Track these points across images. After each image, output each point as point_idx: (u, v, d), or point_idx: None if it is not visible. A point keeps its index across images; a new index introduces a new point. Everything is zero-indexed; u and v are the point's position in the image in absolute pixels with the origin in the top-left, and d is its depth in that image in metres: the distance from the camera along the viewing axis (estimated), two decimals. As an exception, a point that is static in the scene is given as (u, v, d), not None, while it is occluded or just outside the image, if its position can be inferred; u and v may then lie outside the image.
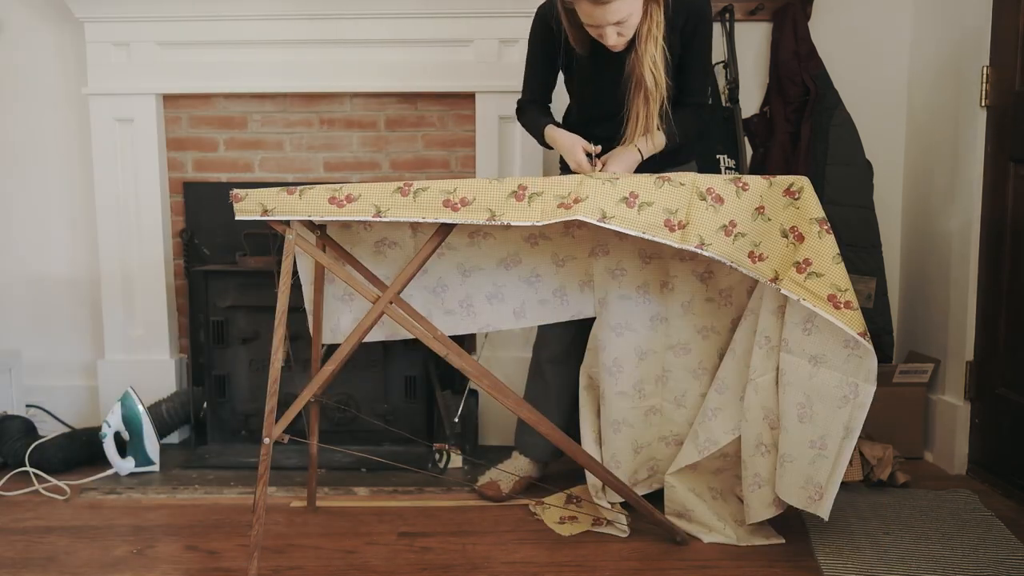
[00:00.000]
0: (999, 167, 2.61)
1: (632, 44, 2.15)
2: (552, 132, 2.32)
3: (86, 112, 3.00)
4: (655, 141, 2.23)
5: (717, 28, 3.09)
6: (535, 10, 2.86)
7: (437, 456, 2.76)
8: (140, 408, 2.74)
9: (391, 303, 2.04)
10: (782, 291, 1.93)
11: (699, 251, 1.94)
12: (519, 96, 2.46)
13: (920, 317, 3.03)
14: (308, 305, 2.33)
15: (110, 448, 2.70)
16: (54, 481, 2.66)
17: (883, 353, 2.90)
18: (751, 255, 1.96)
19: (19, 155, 3.13)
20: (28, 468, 2.69)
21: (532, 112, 2.39)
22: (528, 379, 2.57)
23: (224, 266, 2.91)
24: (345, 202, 1.90)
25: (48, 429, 3.00)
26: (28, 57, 3.09)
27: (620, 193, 1.93)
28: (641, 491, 2.31)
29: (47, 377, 3.18)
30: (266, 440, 1.96)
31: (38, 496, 2.58)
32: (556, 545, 2.20)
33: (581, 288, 2.34)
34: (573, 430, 2.42)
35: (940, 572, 2.00)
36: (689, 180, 1.95)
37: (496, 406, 2.93)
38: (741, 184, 1.96)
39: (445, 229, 2.01)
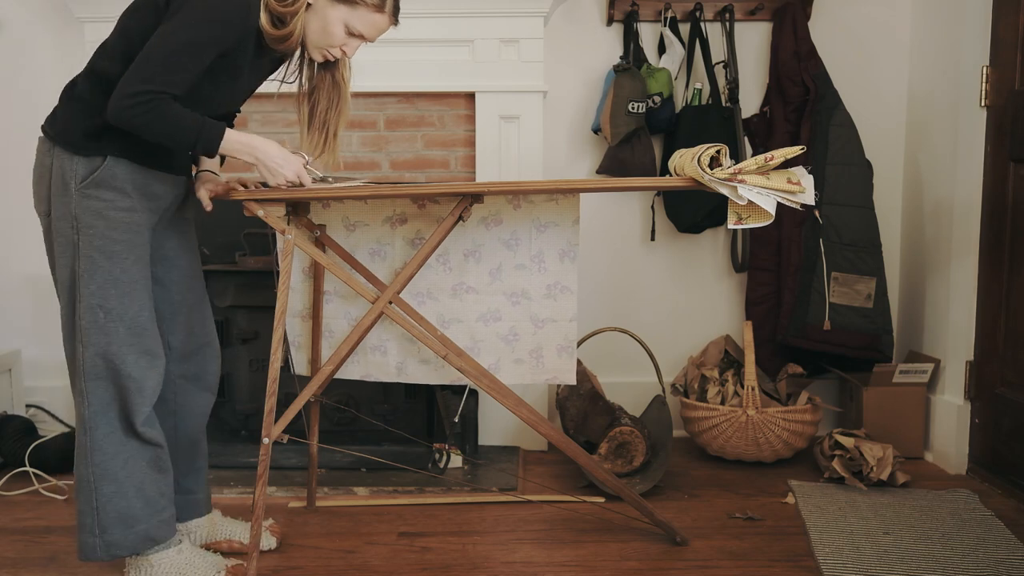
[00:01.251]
0: (999, 167, 2.61)
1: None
2: (251, 139, 1.85)
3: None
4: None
5: (717, 28, 3.09)
6: (534, 10, 2.88)
7: (437, 456, 2.76)
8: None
9: (390, 303, 2.04)
10: None
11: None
12: (179, 83, 1.75)
13: (920, 317, 3.03)
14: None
15: (110, 448, 2.69)
16: (54, 481, 2.66)
17: (883, 353, 2.90)
18: None
19: (19, 155, 3.13)
20: (28, 468, 2.69)
21: (179, 107, 1.74)
22: None
23: (224, 266, 2.91)
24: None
25: (48, 429, 3.00)
26: (28, 57, 3.09)
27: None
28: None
29: (47, 377, 3.18)
30: (265, 440, 1.96)
31: (38, 496, 2.58)
32: (556, 545, 2.20)
33: (371, 256, 2.29)
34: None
35: (940, 572, 2.00)
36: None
37: (496, 406, 2.93)
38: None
39: (445, 228, 2.01)
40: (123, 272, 1.81)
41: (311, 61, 1.99)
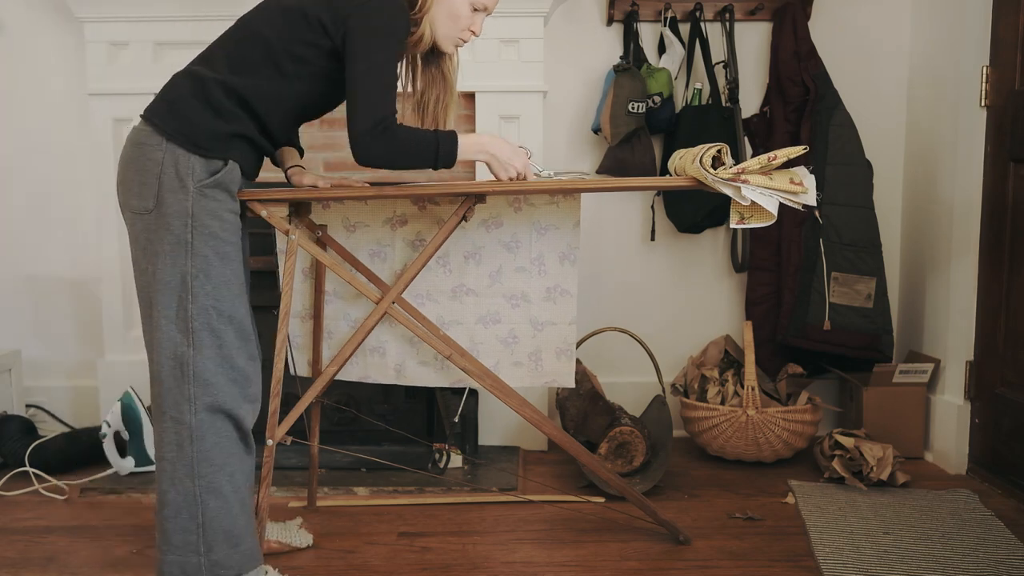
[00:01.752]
0: (999, 167, 2.61)
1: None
2: (479, 137, 1.92)
3: (86, 112, 3.00)
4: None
5: (717, 28, 3.09)
6: (534, 10, 2.88)
7: (437, 456, 2.76)
8: (140, 408, 2.74)
9: (393, 303, 2.04)
10: None
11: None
12: (387, 111, 1.78)
13: (920, 317, 3.03)
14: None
15: (110, 448, 2.70)
16: (54, 481, 2.65)
17: (883, 353, 2.90)
18: None
19: (19, 155, 3.14)
20: (28, 468, 2.69)
21: (408, 127, 1.82)
22: None
23: (224, 266, 2.90)
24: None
25: (48, 429, 3.00)
26: (28, 57, 3.09)
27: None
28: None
29: (47, 377, 3.18)
30: (269, 442, 1.96)
31: (38, 496, 2.58)
32: (556, 545, 2.20)
33: (371, 257, 2.28)
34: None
35: (940, 572, 2.00)
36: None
37: (496, 406, 2.93)
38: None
39: (447, 229, 2.01)
40: (234, 274, 1.79)
41: (418, 59, 2.02)
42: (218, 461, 1.77)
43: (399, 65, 1.82)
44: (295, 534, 2.17)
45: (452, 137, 1.82)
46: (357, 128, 1.74)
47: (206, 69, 1.80)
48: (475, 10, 1.91)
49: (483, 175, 2.98)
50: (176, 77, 1.83)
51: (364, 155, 1.77)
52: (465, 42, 1.96)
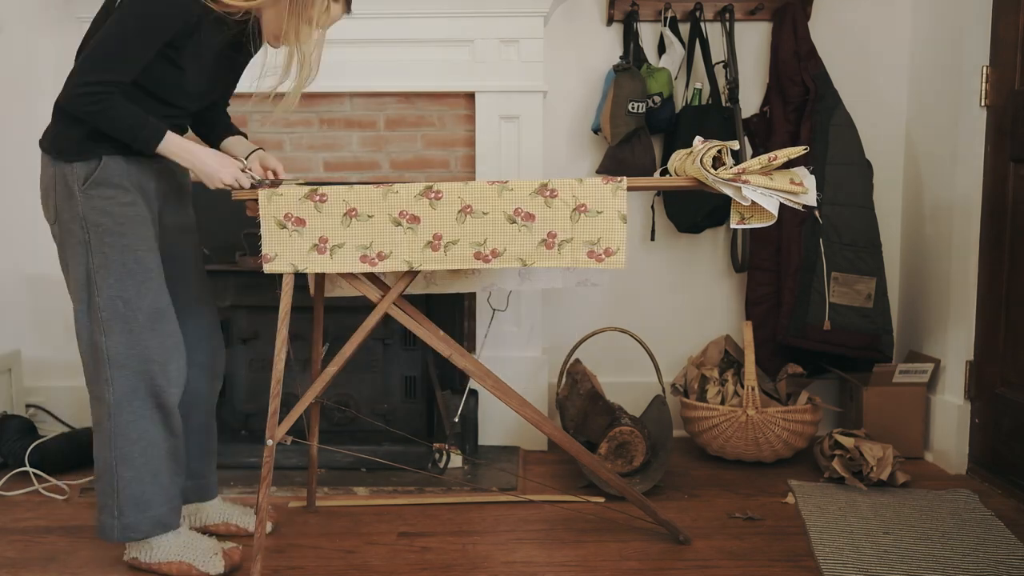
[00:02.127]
0: (999, 167, 2.61)
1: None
2: (187, 144, 1.92)
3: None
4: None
5: (717, 28, 3.09)
6: (534, 10, 2.88)
7: (437, 456, 2.76)
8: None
9: (394, 303, 2.04)
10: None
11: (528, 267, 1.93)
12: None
13: (920, 317, 3.03)
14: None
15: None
16: (54, 481, 2.65)
17: (883, 353, 2.90)
18: (592, 254, 1.93)
19: (18, 155, 3.13)
20: (28, 468, 2.69)
21: (124, 104, 1.83)
22: None
23: (224, 266, 2.90)
24: (376, 260, 1.91)
25: (48, 429, 3.00)
26: (28, 57, 3.09)
27: (424, 238, 1.91)
28: None
29: (47, 377, 3.18)
30: (269, 442, 1.96)
31: (38, 496, 2.58)
32: (556, 545, 2.20)
33: None
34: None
35: (940, 572, 2.00)
36: (493, 206, 1.91)
37: (496, 406, 2.93)
38: (549, 192, 1.92)
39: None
40: (136, 263, 1.91)
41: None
42: (132, 435, 1.94)
43: (150, 47, 1.81)
44: (254, 520, 2.18)
45: (159, 130, 1.86)
46: (73, 79, 1.79)
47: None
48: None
49: (483, 176, 2.99)
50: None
51: (70, 106, 1.82)
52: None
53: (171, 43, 1.83)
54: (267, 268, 1.92)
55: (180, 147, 1.90)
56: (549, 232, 1.91)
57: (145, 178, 1.96)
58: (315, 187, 1.92)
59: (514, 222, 1.91)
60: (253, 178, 1.98)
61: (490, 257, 1.91)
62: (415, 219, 1.91)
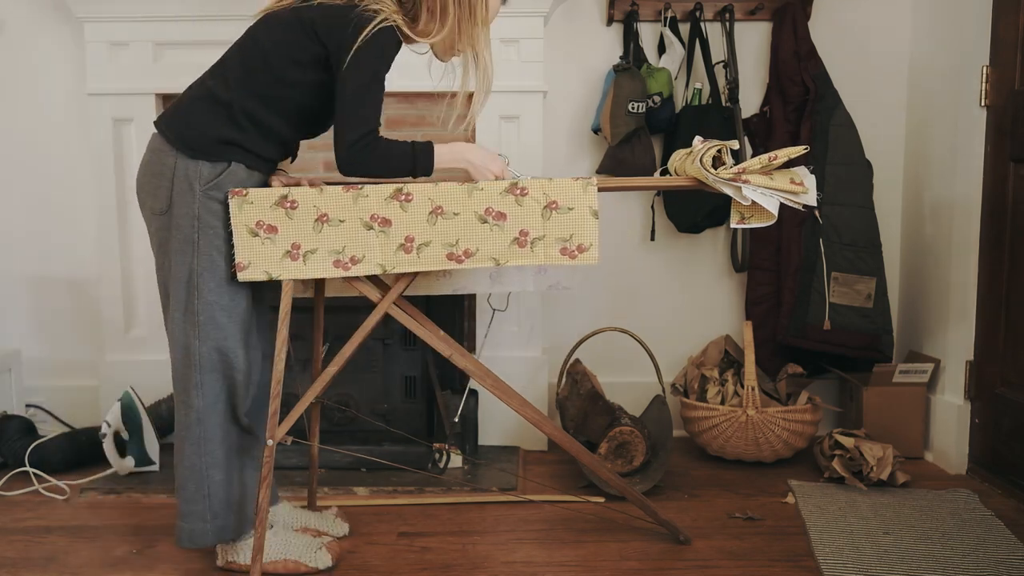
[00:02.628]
0: (999, 167, 2.61)
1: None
2: (455, 146, 2.02)
3: (86, 112, 3.00)
4: None
5: (717, 28, 3.09)
6: (534, 10, 2.88)
7: (437, 456, 2.76)
8: (140, 408, 2.74)
9: (394, 303, 2.04)
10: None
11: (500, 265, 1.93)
12: (372, 127, 1.90)
13: (920, 317, 3.03)
14: None
15: (110, 448, 2.69)
16: (54, 481, 2.65)
17: (883, 353, 2.90)
18: (564, 251, 1.93)
19: (19, 155, 3.13)
20: (28, 468, 2.69)
21: (388, 140, 1.93)
22: None
23: (224, 266, 2.90)
24: (350, 264, 1.92)
25: (48, 429, 3.00)
26: (28, 57, 3.09)
27: (396, 241, 1.91)
28: None
29: (47, 377, 3.18)
30: (269, 442, 1.96)
31: (38, 496, 2.58)
32: (556, 545, 2.20)
33: None
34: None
35: (940, 572, 2.00)
36: (464, 206, 1.92)
37: (496, 406, 2.93)
38: (519, 191, 1.93)
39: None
40: (236, 273, 1.92)
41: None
42: (219, 438, 1.97)
43: (384, 84, 1.92)
44: (331, 523, 2.26)
45: (428, 148, 1.94)
46: (345, 140, 1.86)
47: (216, 82, 1.91)
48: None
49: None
50: (191, 88, 1.96)
51: (348, 166, 1.88)
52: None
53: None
54: (241, 276, 1.91)
55: (449, 151, 1.98)
56: (521, 230, 1.91)
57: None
58: (284, 195, 1.91)
59: (485, 222, 1.91)
60: (514, 173, 2.04)
61: (463, 257, 1.92)
62: (386, 222, 1.90)
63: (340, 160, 1.88)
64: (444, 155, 1.97)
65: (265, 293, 2.16)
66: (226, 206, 1.88)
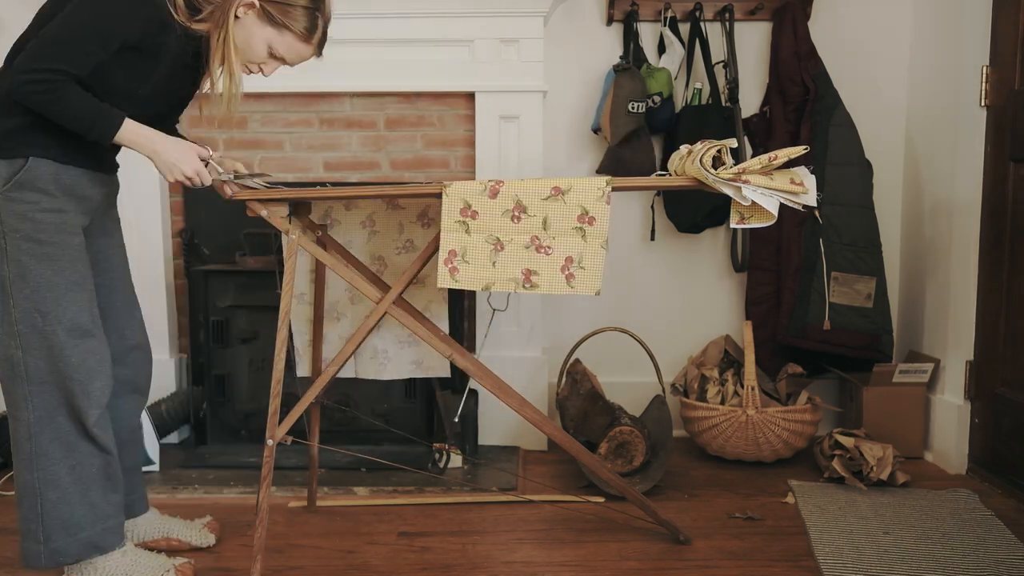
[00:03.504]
0: (999, 167, 2.61)
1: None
2: (147, 131, 1.81)
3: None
4: None
5: (717, 28, 3.09)
6: (534, 10, 2.88)
7: (437, 456, 2.76)
8: (140, 408, 2.74)
9: (393, 304, 2.04)
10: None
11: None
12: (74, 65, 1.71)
13: (920, 317, 3.03)
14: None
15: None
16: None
17: (883, 353, 2.90)
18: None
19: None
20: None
21: (80, 92, 1.72)
22: None
23: (224, 266, 2.91)
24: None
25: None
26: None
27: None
28: None
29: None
30: (269, 442, 1.96)
31: (38, 496, 2.58)
32: (556, 545, 2.20)
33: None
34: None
35: (940, 572, 2.00)
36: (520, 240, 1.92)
37: (496, 406, 2.93)
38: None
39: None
40: (55, 274, 1.78)
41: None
42: (56, 455, 1.82)
43: (108, 46, 1.73)
44: (197, 533, 2.16)
45: (117, 118, 1.75)
46: (24, 65, 1.69)
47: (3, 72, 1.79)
48: (272, 56, 1.90)
49: (483, 176, 2.99)
50: None
51: (18, 93, 1.69)
52: (253, 73, 1.94)
53: (129, 47, 1.75)
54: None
55: (139, 134, 1.78)
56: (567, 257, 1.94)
57: (80, 184, 1.82)
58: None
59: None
60: (218, 172, 1.91)
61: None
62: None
63: (12, 82, 1.69)
64: (132, 134, 1.78)
65: (133, 308, 2.05)
66: (33, 206, 1.73)
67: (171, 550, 2.12)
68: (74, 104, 1.70)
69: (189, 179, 1.85)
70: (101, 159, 1.89)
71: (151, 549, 2.09)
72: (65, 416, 1.82)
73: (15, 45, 1.83)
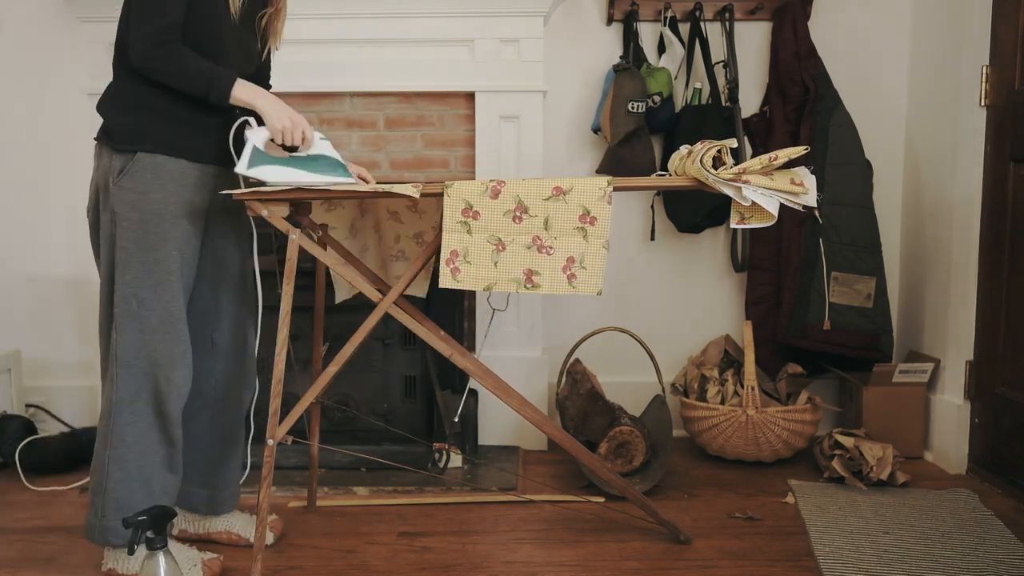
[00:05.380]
0: (999, 167, 2.61)
1: None
2: (258, 90, 1.91)
3: (85, 111, 3.00)
4: None
5: (717, 27, 3.09)
6: (534, 10, 2.89)
7: (437, 456, 2.76)
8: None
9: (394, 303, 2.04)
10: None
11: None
12: (165, 32, 1.81)
13: (920, 317, 3.03)
14: None
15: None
16: (54, 483, 2.65)
17: (883, 353, 2.90)
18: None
19: (18, 154, 3.13)
20: (18, 466, 2.69)
21: (191, 53, 1.84)
22: None
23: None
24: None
25: (48, 429, 3.00)
26: (28, 57, 3.09)
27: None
28: None
29: (47, 377, 3.18)
30: (270, 442, 1.96)
31: (38, 496, 2.58)
32: (556, 545, 2.20)
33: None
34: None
35: (940, 572, 2.00)
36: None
37: (496, 406, 2.93)
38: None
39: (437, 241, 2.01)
40: (156, 263, 1.88)
41: None
42: (129, 437, 1.91)
43: None
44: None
45: (230, 76, 1.86)
46: (142, 32, 1.79)
47: (115, 70, 1.92)
48: None
49: (482, 175, 2.99)
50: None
51: (141, 60, 1.81)
52: None
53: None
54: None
55: (254, 88, 1.89)
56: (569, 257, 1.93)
57: (186, 175, 1.92)
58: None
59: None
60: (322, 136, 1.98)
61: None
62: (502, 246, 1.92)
63: (137, 53, 1.80)
64: (244, 92, 1.88)
65: (247, 301, 2.13)
66: (141, 197, 1.85)
67: (231, 543, 2.19)
68: (191, 62, 1.82)
69: (287, 129, 1.90)
70: (203, 149, 1.95)
71: (213, 541, 2.18)
72: (144, 402, 1.92)
73: (117, 41, 1.91)
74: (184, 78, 1.82)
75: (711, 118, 2.98)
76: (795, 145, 2.94)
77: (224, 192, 1.95)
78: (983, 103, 2.66)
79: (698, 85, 3.05)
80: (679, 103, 3.08)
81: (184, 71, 1.81)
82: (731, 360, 3.00)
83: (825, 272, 2.88)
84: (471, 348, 3.07)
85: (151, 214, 1.87)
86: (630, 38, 3.07)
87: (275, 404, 1.96)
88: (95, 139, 1.93)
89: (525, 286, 1.91)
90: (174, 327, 1.92)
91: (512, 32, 2.91)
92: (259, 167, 1.86)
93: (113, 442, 1.90)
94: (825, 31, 3.08)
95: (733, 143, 1.92)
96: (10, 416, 2.91)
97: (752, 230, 3.07)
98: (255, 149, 1.87)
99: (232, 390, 2.12)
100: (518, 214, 1.90)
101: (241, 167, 1.86)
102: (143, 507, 1.89)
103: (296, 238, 1.96)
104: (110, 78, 2.99)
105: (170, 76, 1.82)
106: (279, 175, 1.87)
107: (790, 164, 1.92)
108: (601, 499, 2.50)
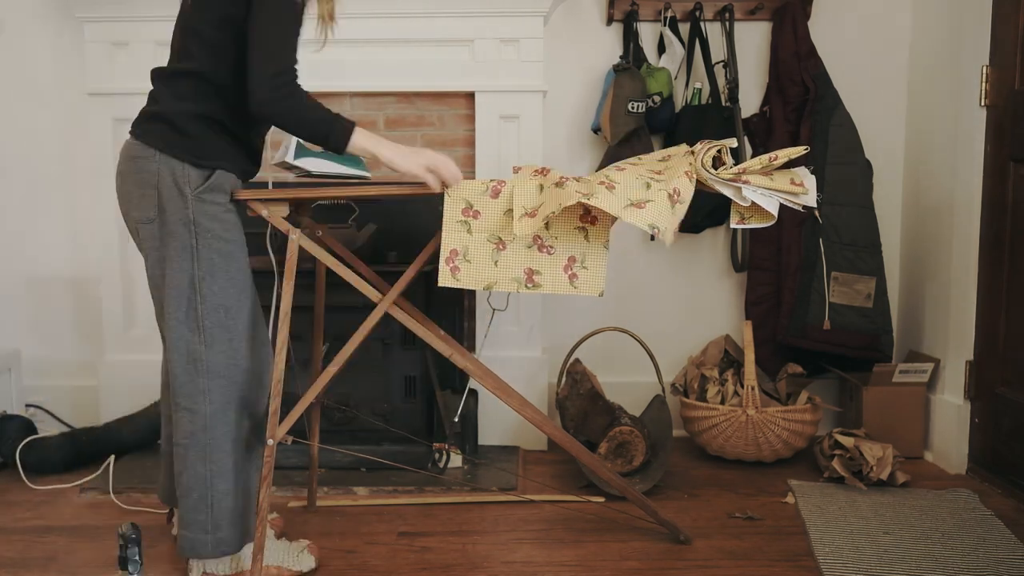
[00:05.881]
0: (999, 167, 2.61)
1: None
2: (375, 138, 1.88)
3: (85, 112, 3.00)
4: None
5: (717, 27, 3.09)
6: (534, 10, 2.88)
7: (437, 456, 2.76)
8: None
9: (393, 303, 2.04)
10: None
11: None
12: (292, 67, 1.80)
13: (920, 317, 3.03)
14: None
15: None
16: (55, 483, 2.65)
17: (883, 353, 2.90)
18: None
19: (19, 154, 3.13)
20: (19, 466, 2.69)
21: (304, 96, 1.80)
22: None
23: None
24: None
25: (48, 429, 3.00)
26: (28, 57, 3.09)
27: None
28: None
29: (47, 377, 3.18)
30: (270, 442, 1.96)
31: (38, 496, 2.58)
32: (556, 545, 2.20)
33: None
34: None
35: (940, 572, 2.00)
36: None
37: (496, 405, 2.93)
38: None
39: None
40: (238, 271, 1.91)
41: None
42: (228, 447, 1.91)
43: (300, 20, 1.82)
44: (296, 557, 2.08)
45: (350, 125, 1.83)
46: (264, 72, 1.75)
47: (182, 82, 1.87)
48: None
49: (482, 175, 2.99)
50: (156, 92, 1.92)
51: (263, 105, 1.76)
52: None
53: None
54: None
55: (374, 141, 1.86)
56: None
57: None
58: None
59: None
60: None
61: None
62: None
63: (255, 99, 1.75)
64: (366, 141, 1.85)
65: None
66: (221, 207, 1.86)
67: None
68: (310, 111, 1.79)
69: (427, 170, 1.89)
70: (252, 172, 2.01)
71: None
72: (236, 410, 1.92)
73: (198, 59, 1.86)
74: (303, 126, 1.80)
75: (711, 118, 2.98)
76: (795, 145, 2.95)
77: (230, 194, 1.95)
78: (983, 103, 2.66)
79: (698, 85, 3.05)
80: (679, 103, 3.08)
81: (303, 120, 1.79)
82: (731, 360, 3.00)
83: (825, 272, 2.88)
84: (471, 348, 3.07)
85: (230, 225, 1.89)
86: (630, 38, 3.07)
87: (274, 404, 1.96)
88: (146, 144, 1.85)
89: (526, 285, 1.90)
90: (258, 331, 1.97)
91: (512, 32, 2.91)
92: (303, 159, 2.04)
93: (214, 456, 1.89)
94: (825, 31, 3.08)
95: (733, 143, 1.92)
96: (10, 416, 2.91)
97: (752, 230, 3.07)
98: (298, 143, 2.04)
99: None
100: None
101: (289, 157, 2.01)
102: (248, 511, 1.96)
103: (296, 238, 1.96)
104: (110, 78, 2.99)
105: (288, 124, 1.81)
106: (318, 166, 2.05)
107: (790, 164, 1.92)
108: (601, 499, 2.50)
